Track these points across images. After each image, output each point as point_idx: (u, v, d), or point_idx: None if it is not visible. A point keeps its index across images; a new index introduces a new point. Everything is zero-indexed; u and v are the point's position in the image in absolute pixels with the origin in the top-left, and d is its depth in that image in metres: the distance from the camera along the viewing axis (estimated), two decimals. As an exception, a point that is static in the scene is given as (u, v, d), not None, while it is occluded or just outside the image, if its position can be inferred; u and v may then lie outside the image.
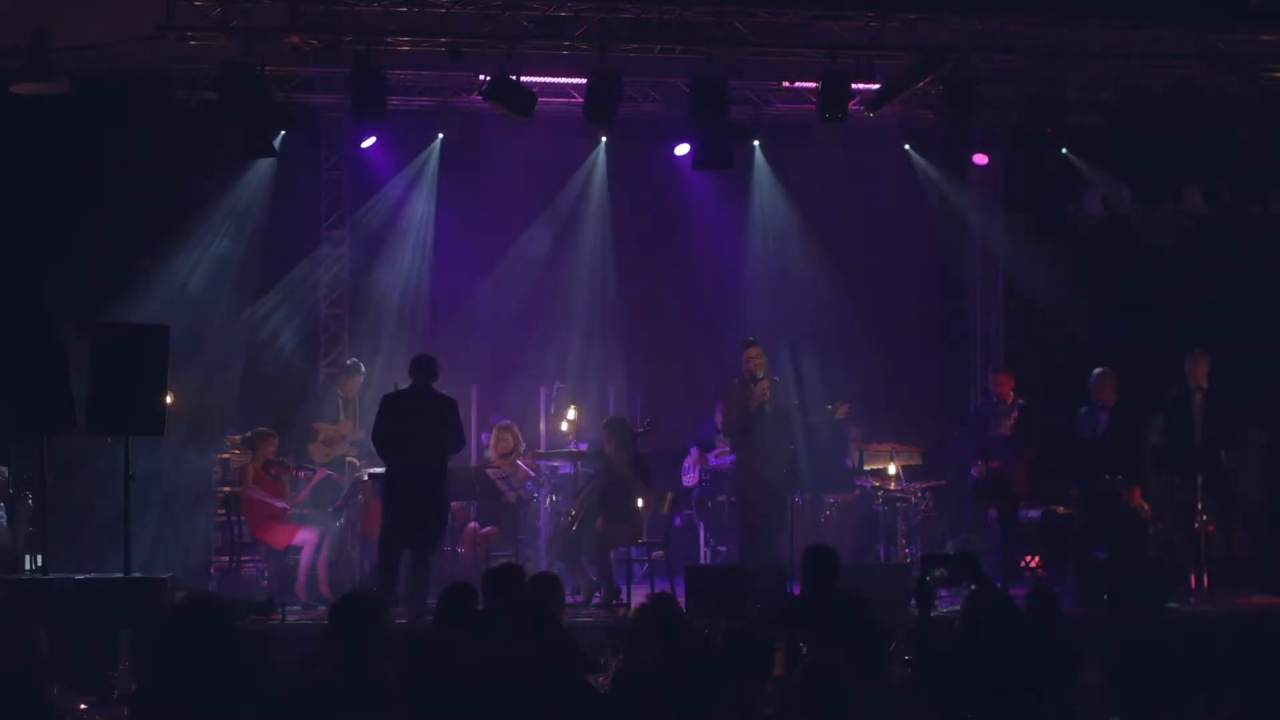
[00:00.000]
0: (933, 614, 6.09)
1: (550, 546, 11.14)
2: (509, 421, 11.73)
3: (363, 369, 11.93)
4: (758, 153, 13.15)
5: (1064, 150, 13.04)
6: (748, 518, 11.06)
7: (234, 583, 10.69)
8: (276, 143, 11.74)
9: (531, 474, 11.50)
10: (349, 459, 11.65)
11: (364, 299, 13.08)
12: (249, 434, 10.95)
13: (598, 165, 13.19)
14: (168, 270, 11.99)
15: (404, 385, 10.33)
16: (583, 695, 5.40)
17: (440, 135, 12.99)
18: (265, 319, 12.57)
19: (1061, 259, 13.36)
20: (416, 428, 9.84)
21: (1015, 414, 11.50)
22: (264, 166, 12.22)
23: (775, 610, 7.28)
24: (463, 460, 11.68)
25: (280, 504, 10.80)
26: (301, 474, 11.30)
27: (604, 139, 13.02)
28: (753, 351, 10.97)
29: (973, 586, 6.15)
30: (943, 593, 6.34)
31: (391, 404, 10.10)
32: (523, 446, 11.63)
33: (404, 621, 9.51)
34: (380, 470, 10.33)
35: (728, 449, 11.82)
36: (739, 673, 5.07)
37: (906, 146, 13.34)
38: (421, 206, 13.08)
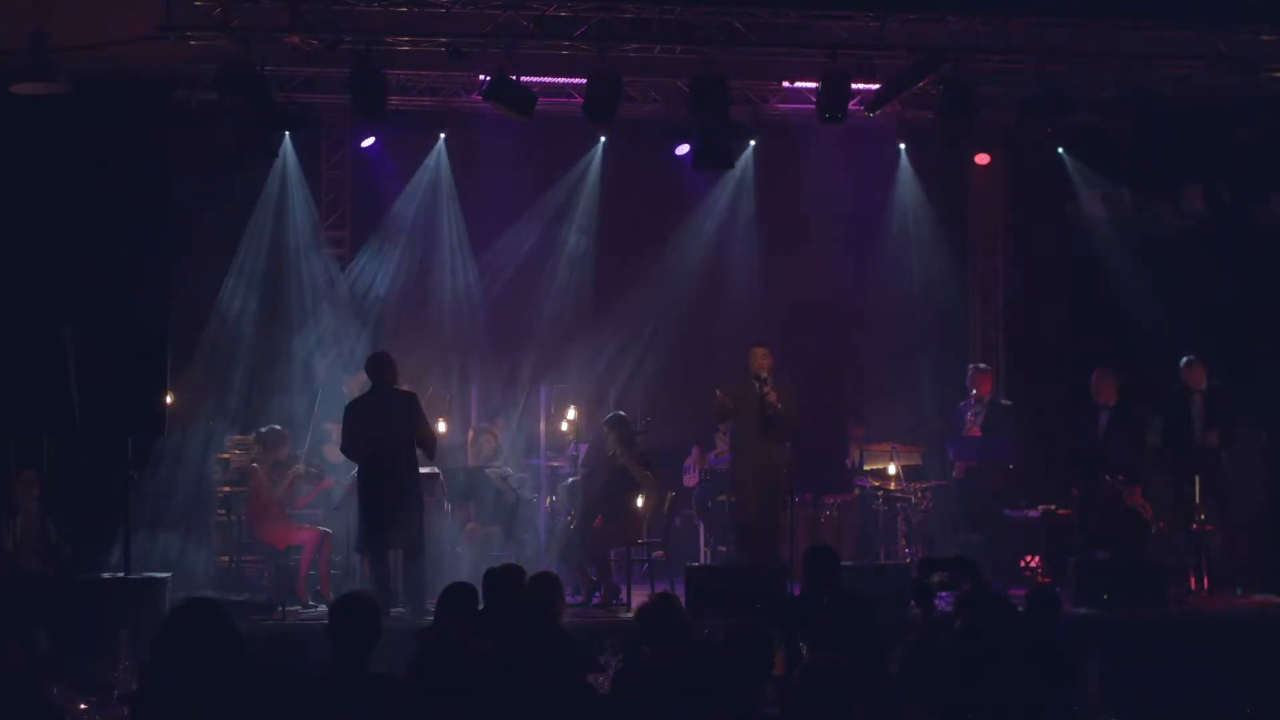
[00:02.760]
0: (934, 615, 6.08)
1: (550, 546, 11.15)
2: (487, 424, 11.72)
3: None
4: (757, 152, 13.14)
5: (1060, 150, 13.07)
6: (741, 515, 11.08)
7: (234, 583, 10.69)
8: (285, 144, 11.72)
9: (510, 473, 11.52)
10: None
11: (363, 299, 13.07)
12: (262, 432, 10.93)
13: (595, 165, 13.19)
14: (167, 270, 11.98)
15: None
16: (583, 695, 5.40)
17: (442, 135, 12.98)
18: (265, 318, 12.55)
19: (1062, 259, 13.37)
20: (381, 430, 9.82)
21: (986, 413, 11.54)
22: (266, 166, 12.23)
23: (775, 610, 7.29)
24: (462, 460, 11.68)
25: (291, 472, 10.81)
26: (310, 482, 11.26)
27: (603, 139, 13.02)
28: (759, 352, 10.97)
29: (965, 587, 6.15)
30: (943, 594, 6.33)
31: (353, 412, 10.09)
32: (501, 449, 11.64)
33: (403, 613, 9.55)
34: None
35: (726, 449, 11.82)
36: (740, 673, 5.06)
37: (902, 146, 13.34)
38: (421, 206, 13.08)
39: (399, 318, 12.87)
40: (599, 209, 13.22)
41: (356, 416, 10.00)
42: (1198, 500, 10.99)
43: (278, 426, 10.95)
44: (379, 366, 10.03)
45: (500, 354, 12.83)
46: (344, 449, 10.20)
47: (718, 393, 11.09)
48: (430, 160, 13.05)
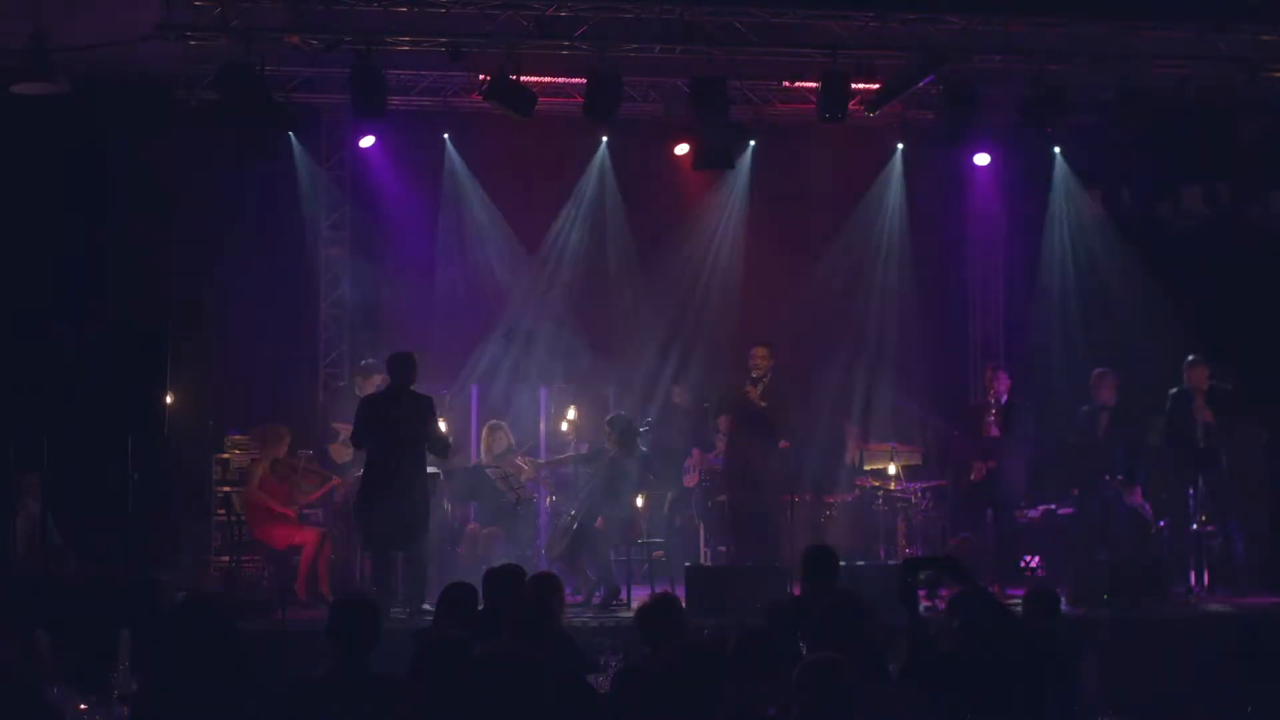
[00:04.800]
0: (919, 614, 6.05)
1: (550, 546, 11.16)
2: (498, 420, 11.74)
3: (380, 369, 11.84)
4: (756, 153, 13.14)
5: (1057, 150, 13.08)
6: (735, 514, 11.12)
7: (234, 583, 10.69)
8: (293, 146, 11.76)
9: (526, 469, 11.51)
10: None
11: (364, 299, 13.06)
12: (260, 430, 10.93)
13: (599, 166, 13.17)
14: (168, 270, 11.97)
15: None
16: (583, 695, 5.40)
17: (446, 136, 12.96)
18: (266, 318, 12.52)
19: (1061, 259, 13.37)
20: (395, 429, 9.84)
21: (1005, 413, 11.52)
22: (268, 166, 12.22)
23: (775, 610, 7.28)
24: (463, 460, 11.69)
25: (281, 509, 10.78)
26: (311, 479, 11.24)
27: (604, 139, 13.01)
28: (759, 351, 10.99)
29: (958, 589, 6.14)
30: (920, 592, 6.29)
31: (369, 406, 10.13)
32: (514, 445, 11.64)
33: (401, 615, 9.55)
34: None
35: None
36: (747, 674, 5.06)
37: (900, 146, 13.33)
38: (422, 206, 13.07)
39: (396, 317, 12.86)
40: (601, 210, 13.22)
41: (372, 409, 10.06)
42: (1198, 500, 10.99)
43: (276, 425, 10.95)
44: (401, 366, 10.05)
45: (500, 353, 12.81)
46: (354, 437, 10.23)
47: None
48: (429, 159, 13.02)
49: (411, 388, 10.03)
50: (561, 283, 13.14)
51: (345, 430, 11.66)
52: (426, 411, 9.98)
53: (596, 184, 13.20)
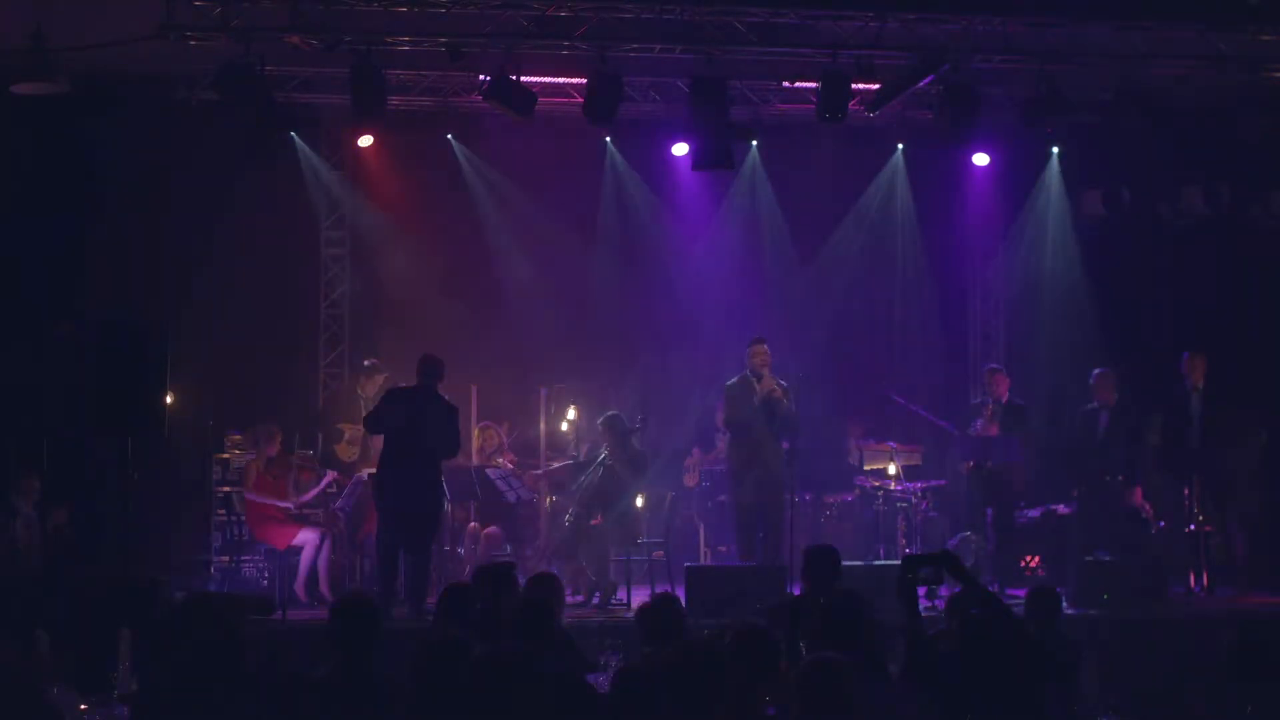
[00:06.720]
0: (917, 612, 6.04)
1: (549, 546, 11.15)
2: (488, 422, 11.76)
3: (383, 369, 11.87)
4: (757, 153, 13.13)
5: (1056, 150, 13.08)
6: (740, 515, 11.11)
7: (234, 583, 10.70)
8: (296, 145, 11.90)
9: (512, 469, 11.54)
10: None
11: (363, 299, 13.06)
12: (251, 430, 10.95)
13: (611, 164, 13.16)
14: (168, 270, 11.97)
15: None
16: (583, 695, 5.40)
17: (450, 136, 12.94)
18: (266, 318, 12.52)
19: (1061, 259, 13.38)
20: (414, 426, 9.88)
21: (1003, 412, 11.53)
22: (269, 166, 12.21)
23: (776, 610, 7.28)
24: (463, 461, 11.69)
25: (283, 504, 10.82)
26: (306, 475, 11.26)
27: (608, 139, 13.00)
28: (759, 348, 11.00)
29: (958, 588, 6.14)
30: (920, 591, 6.28)
31: (394, 397, 10.21)
32: (504, 444, 11.66)
33: (402, 615, 9.56)
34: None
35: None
36: (744, 673, 5.06)
37: (900, 146, 13.33)
38: (421, 206, 13.05)
39: (396, 317, 12.85)
40: (605, 209, 13.22)
41: (397, 402, 10.14)
42: (1197, 500, 10.98)
43: (266, 424, 10.96)
44: (430, 367, 10.16)
45: (499, 353, 12.80)
46: (369, 420, 10.27)
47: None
48: (431, 160, 13.01)
49: (439, 392, 10.08)
50: (559, 282, 13.12)
51: (350, 430, 11.68)
52: (450, 418, 10.08)
53: (612, 182, 13.18)
